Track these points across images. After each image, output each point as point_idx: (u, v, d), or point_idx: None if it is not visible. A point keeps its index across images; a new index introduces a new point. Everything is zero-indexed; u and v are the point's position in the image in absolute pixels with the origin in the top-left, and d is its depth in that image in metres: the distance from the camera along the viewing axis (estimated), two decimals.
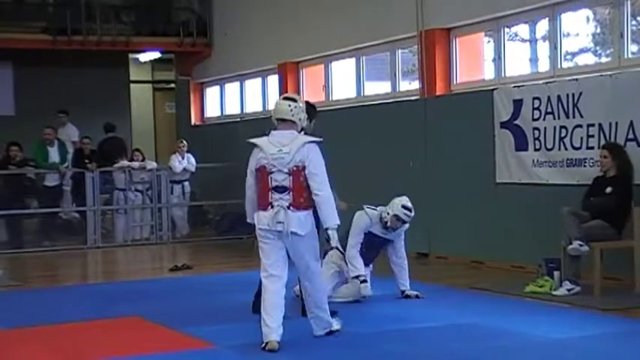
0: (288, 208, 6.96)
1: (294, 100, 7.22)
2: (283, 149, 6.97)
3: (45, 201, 15.43)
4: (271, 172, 6.99)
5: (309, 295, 7.27)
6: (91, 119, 17.57)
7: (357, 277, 8.96)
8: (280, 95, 7.58)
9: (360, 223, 9.12)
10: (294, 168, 6.95)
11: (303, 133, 7.24)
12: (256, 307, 7.82)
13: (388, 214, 9.03)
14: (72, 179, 15.81)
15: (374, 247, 9.21)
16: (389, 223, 9.03)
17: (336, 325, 7.42)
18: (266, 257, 7.11)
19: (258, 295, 7.87)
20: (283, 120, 7.12)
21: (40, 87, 18.83)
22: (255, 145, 7.14)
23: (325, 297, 7.42)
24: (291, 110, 7.09)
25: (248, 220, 7.38)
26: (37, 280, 11.90)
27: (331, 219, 7.05)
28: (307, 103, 7.97)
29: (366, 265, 9.22)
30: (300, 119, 7.13)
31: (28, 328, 8.25)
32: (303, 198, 6.98)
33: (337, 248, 7.92)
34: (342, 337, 7.46)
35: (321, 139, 7.14)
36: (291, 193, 6.97)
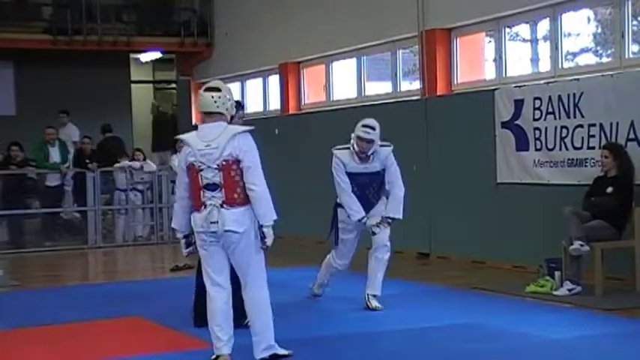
0: (222, 206, 6.38)
1: (218, 90, 6.61)
2: (212, 144, 6.38)
3: (46, 201, 15.45)
4: (200, 170, 6.42)
5: (251, 310, 6.57)
6: (91, 119, 17.57)
7: (360, 219, 8.64)
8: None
9: (335, 167, 8.64)
10: (224, 162, 6.37)
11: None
12: (199, 319, 7.50)
13: (353, 139, 8.60)
14: (73, 179, 15.82)
15: (366, 187, 8.73)
16: (356, 148, 8.54)
17: (283, 350, 6.62)
18: (207, 264, 6.60)
19: (197, 306, 7.61)
20: (209, 113, 6.53)
21: (41, 87, 18.84)
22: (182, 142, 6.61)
23: (270, 311, 6.61)
24: (215, 102, 6.51)
25: (172, 226, 6.90)
26: (37, 280, 11.91)
27: (267, 216, 6.43)
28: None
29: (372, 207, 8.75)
30: (227, 109, 6.54)
31: (28, 328, 8.25)
32: (236, 194, 6.39)
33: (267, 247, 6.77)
34: (343, 337, 7.46)
35: (252, 127, 6.65)
36: (222, 190, 6.38)
